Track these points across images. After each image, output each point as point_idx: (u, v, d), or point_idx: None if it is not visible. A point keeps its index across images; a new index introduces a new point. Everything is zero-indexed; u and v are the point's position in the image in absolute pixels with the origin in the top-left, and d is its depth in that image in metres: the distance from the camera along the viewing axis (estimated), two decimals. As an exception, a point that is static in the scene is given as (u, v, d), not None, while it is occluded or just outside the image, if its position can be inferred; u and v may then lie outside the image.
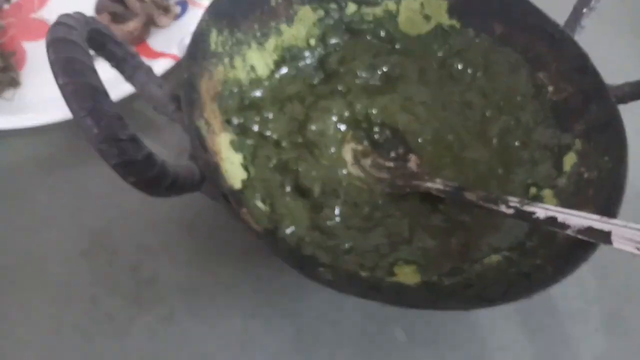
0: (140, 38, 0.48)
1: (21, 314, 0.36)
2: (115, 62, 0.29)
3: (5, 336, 0.35)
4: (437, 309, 0.27)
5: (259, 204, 0.35)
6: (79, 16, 0.24)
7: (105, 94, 0.22)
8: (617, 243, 0.28)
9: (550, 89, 0.41)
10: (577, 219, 0.31)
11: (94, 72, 0.22)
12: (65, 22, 0.23)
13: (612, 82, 0.38)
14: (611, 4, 0.43)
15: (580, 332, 0.38)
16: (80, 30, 0.23)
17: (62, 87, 0.21)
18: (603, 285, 0.40)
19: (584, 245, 0.30)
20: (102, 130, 0.21)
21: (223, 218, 0.39)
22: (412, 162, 0.40)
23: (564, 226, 0.31)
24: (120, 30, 0.47)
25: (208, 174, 0.28)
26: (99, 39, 0.27)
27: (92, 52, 0.27)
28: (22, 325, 0.35)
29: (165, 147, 0.42)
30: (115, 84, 0.35)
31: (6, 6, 0.51)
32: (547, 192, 0.38)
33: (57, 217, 0.40)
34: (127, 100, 0.41)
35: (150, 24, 0.48)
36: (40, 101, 0.43)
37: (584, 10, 0.40)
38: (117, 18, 0.49)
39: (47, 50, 0.22)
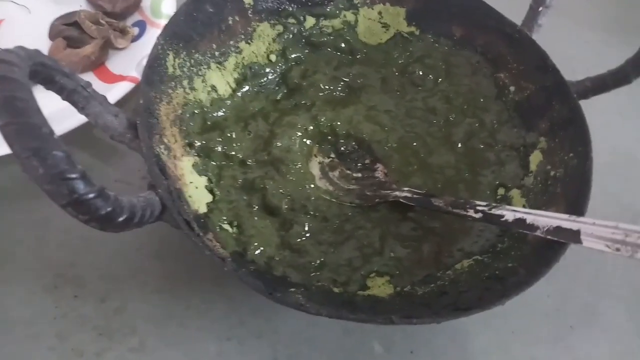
0: (98, 61, 0.47)
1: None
2: (66, 95, 0.28)
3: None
4: (410, 323, 0.27)
5: (226, 226, 0.34)
6: (21, 51, 0.23)
7: (50, 132, 0.20)
8: (586, 242, 0.28)
9: (512, 88, 0.42)
10: (545, 219, 0.30)
11: (38, 110, 0.21)
12: (4, 59, 0.22)
13: (573, 79, 0.38)
14: (568, 1, 0.44)
15: (557, 330, 0.38)
16: (22, 66, 0.22)
17: (2, 128, 0.20)
18: (575, 282, 0.40)
19: (555, 245, 0.30)
20: (48, 170, 0.20)
21: (190, 242, 0.38)
22: (380, 172, 0.40)
23: (533, 227, 0.31)
24: (78, 55, 0.45)
25: (169, 202, 0.27)
26: (46, 73, 0.26)
27: (41, 86, 0.26)
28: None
29: (128, 173, 0.41)
30: (72, 113, 0.34)
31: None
32: (514, 192, 0.38)
33: (17, 252, 0.38)
34: (86, 128, 0.40)
35: (107, 46, 0.47)
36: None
37: (540, 8, 0.40)
38: (73, 42, 0.48)
39: None
